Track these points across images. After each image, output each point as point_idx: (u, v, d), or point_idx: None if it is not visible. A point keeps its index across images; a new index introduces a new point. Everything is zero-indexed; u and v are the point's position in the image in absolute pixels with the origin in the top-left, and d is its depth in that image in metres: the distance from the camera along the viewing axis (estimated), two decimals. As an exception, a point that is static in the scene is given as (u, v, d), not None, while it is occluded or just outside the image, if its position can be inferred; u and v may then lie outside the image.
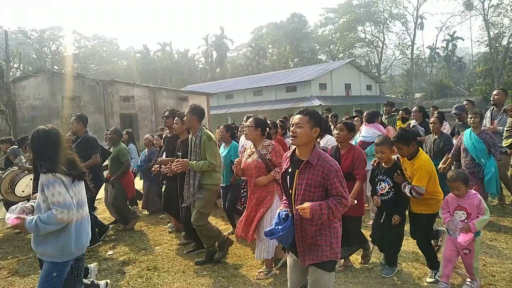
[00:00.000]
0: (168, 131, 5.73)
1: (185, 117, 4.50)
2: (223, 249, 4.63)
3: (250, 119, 4.08)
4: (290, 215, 2.60)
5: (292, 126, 2.63)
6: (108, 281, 3.87)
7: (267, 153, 3.91)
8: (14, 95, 13.51)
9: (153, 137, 7.46)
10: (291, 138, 2.63)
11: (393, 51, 54.23)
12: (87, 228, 2.92)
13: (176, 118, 4.91)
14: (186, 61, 56.61)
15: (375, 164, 3.94)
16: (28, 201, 3.03)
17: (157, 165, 5.48)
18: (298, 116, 2.63)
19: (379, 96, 36.98)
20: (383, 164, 3.83)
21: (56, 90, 18.30)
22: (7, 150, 6.88)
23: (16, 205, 2.89)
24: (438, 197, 3.71)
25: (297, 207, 2.48)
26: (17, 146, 6.78)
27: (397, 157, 3.90)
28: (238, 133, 6.60)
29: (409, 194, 3.63)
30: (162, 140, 6.49)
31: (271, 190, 3.95)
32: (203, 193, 4.38)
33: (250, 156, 4.01)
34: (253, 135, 3.99)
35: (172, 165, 4.43)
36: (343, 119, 5.89)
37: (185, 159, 4.43)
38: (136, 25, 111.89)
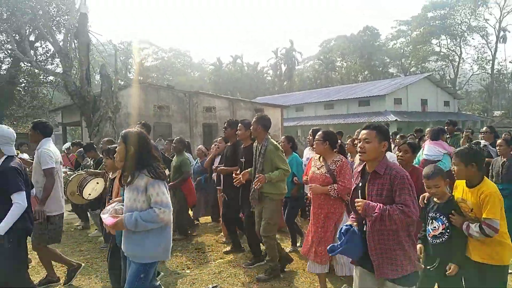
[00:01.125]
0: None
1: (252, 126, 4.53)
2: (269, 274, 4.48)
3: (319, 133, 3.96)
4: (351, 229, 2.60)
5: (360, 142, 2.61)
6: None
7: (336, 169, 3.76)
8: (119, 104, 14.94)
9: (207, 148, 7.54)
10: (359, 154, 2.62)
11: (471, 66, 51.45)
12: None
13: (239, 124, 4.96)
14: (255, 73, 58.14)
15: (424, 201, 3.18)
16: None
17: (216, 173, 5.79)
18: (365, 131, 2.60)
19: (457, 113, 35.28)
20: (435, 199, 3.08)
21: (148, 100, 19.86)
22: (76, 152, 7.51)
23: (107, 208, 3.00)
24: (506, 241, 2.86)
25: (356, 205, 2.54)
26: (83, 150, 7.06)
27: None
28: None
29: (477, 235, 2.77)
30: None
31: (339, 207, 3.77)
32: (268, 204, 4.37)
33: (319, 168, 3.87)
34: (320, 149, 3.88)
35: (255, 182, 4.32)
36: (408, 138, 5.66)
37: (261, 174, 4.32)
38: (208, 38, 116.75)
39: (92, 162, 6.67)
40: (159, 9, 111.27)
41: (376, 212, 2.39)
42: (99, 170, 5.99)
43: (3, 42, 23.20)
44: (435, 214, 3.02)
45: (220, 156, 6.16)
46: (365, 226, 2.57)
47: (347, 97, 32.82)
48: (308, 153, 5.61)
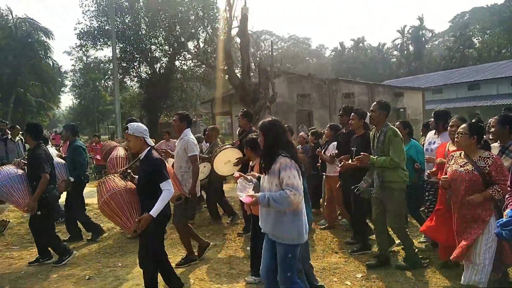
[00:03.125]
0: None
1: (373, 112, 4.32)
2: (409, 261, 4.35)
3: (464, 126, 3.54)
4: None
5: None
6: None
7: (485, 166, 3.33)
8: (276, 94, 16.07)
9: (308, 135, 7.49)
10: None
11: None
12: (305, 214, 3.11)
13: (352, 114, 4.87)
14: (380, 56, 55.78)
15: None
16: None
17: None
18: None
19: None
20: None
21: (292, 89, 20.84)
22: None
23: (241, 186, 3.14)
24: None
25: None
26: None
27: None
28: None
29: None
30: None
31: (488, 208, 3.34)
32: (391, 194, 4.21)
33: (462, 166, 3.47)
34: (466, 144, 3.46)
35: (355, 159, 4.32)
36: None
37: (366, 154, 4.24)
38: (328, 23, 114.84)
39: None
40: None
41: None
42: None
43: (162, 42, 26.66)
44: None
45: (326, 143, 6.32)
46: None
47: (497, 76, 29.48)
48: (431, 137, 5.15)
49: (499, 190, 3.22)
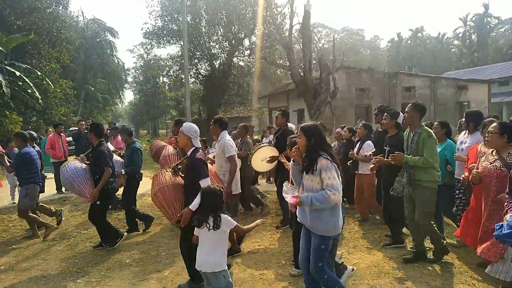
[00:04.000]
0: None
1: (407, 113, 4.41)
2: (437, 255, 4.50)
3: (495, 125, 3.64)
4: None
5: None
6: (355, 268, 4.24)
7: None
8: (337, 89, 16.25)
9: (343, 130, 7.44)
10: None
11: None
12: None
13: (385, 114, 4.98)
14: (440, 46, 53.40)
15: None
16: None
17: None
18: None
19: None
20: None
21: (352, 83, 20.85)
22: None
23: (286, 189, 3.50)
24: None
25: None
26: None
27: None
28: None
29: None
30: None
31: None
32: (421, 192, 4.29)
33: (491, 163, 3.61)
34: (497, 143, 3.60)
35: (390, 157, 4.43)
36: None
37: (401, 153, 4.36)
38: (383, 12, 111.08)
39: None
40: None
41: None
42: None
43: (220, 39, 27.58)
44: None
45: (360, 142, 6.34)
46: None
47: None
48: (462, 136, 5.23)
49: None
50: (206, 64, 28.63)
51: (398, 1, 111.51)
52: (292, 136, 4.64)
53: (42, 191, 7.31)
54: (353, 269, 4.14)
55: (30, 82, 19.86)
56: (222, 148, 5.07)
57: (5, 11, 19.61)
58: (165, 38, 26.57)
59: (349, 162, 6.22)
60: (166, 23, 25.85)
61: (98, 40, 37.07)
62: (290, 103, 23.65)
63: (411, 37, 56.19)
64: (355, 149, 6.32)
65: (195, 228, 3.46)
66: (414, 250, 4.64)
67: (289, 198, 3.34)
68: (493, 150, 3.67)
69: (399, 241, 5.10)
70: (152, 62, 46.46)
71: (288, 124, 6.54)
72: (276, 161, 5.94)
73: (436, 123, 5.53)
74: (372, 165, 4.98)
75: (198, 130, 4.19)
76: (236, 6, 24.48)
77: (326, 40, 69.87)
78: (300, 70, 16.55)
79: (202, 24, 26.77)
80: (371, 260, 4.72)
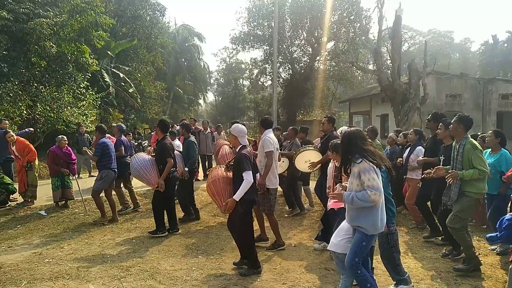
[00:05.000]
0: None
1: (452, 126, 4.60)
2: (469, 263, 4.49)
3: None
4: None
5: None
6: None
7: None
8: (427, 95, 15.73)
9: (397, 136, 7.57)
10: None
11: None
12: (384, 210, 3.45)
13: (440, 124, 5.13)
14: (543, 49, 48.26)
15: None
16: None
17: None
18: None
19: None
20: None
21: (442, 89, 19.91)
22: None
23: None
24: None
25: None
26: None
27: None
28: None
29: None
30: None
31: None
32: (463, 199, 4.44)
33: None
34: None
35: (447, 177, 4.43)
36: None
37: (454, 171, 4.46)
38: (474, 13, 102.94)
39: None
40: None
41: None
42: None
43: (303, 43, 27.98)
44: None
45: (410, 147, 6.51)
46: None
47: None
48: None
49: None
50: (288, 67, 29.20)
51: (492, 1, 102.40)
52: (335, 141, 4.98)
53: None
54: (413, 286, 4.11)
55: (131, 83, 22.07)
56: (262, 144, 5.50)
57: (113, 19, 21.94)
58: (250, 43, 27.64)
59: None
60: (251, 28, 26.92)
61: (186, 44, 39.55)
62: (373, 107, 23.24)
63: (508, 39, 51.44)
64: (405, 154, 6.57)
65: None
66: (466, 260, 4.60)
67: (330, 203, 3.96)
68: None
69: (459, 253, 5.02)
70: (233, 65, 48.43)
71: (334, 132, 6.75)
72: (319, 165, 6.40)
73: (490, 132, 5.59)
74: (427, 173, 4.95)
75: (245, 130, 4.80)
76: (320, 11, 24.66)
77: (410, 43, 66.94)
78: (387, 75, 16.30)
79: (285, 29, 27.36)
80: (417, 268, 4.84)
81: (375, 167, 3.32)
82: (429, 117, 5.83)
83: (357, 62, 19.98)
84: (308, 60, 28.11)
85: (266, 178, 5.36)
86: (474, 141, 4.52)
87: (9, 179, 8.13)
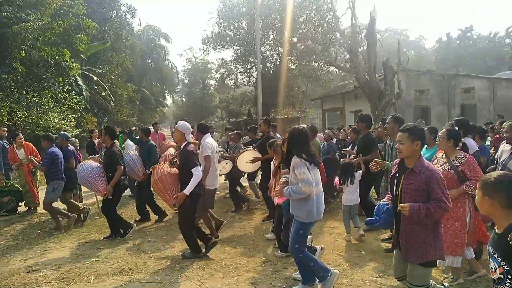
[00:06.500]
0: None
1: (388, 125, 5.13)
2: None
3: (443, 131, 4.05)
4: (389, 207, 3.16)
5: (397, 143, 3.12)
6: (323, 246, 4.79)
7: (459, 165, 3.86)
8: (402, 91, 16.60)
9: (333, 133, 8.37)
10: (398, 152, 3.15)
11: None
12: (321, 200, 3.82)
13: (380, 123, 5.69)
14: (491, 46, 51.71)
15: None
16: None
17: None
18: (399, 134, 3.09)
19: None
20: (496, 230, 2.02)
21: (410, 85, 21.00)
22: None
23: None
24: None
25: (399, 206, 2.97)
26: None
27: None
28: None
29: None
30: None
31: (463, 201, 3.87)
32: None
33: (441, 165, 3.98)
34: (445, 147, 3.99)
35: (373, 164, 4.80)
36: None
37: (383, 161, 4.95)
38: (428, 12, 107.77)
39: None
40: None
41: (421, 213, 2.86)
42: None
43: (272, 44, 28.44)
44: (491, 250, 2.04)
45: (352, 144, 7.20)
46: (397, 209, 3.06)
47: None
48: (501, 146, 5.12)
49: (471, 185, 3.76)
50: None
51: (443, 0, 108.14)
52: (272, 140, 5.53)
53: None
54: (321, 248, 4.72)
55: (104, 86, 21.56)
56: (201, 149, 5.66)
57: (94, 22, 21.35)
58: (221, 43, 27.75)
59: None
60: (222, 29, 27.05)
61: (152, 45, 38.95)
62: (346, 104, 24.09)
63: (459, 37, 54.69)
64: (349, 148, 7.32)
65: None
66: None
67: (276, 200, 4.44)
68: (443, 153, 4.08)
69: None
70: (200, 66, 48.21)
71: (271, 132, 7.37)
72: (260, 162, 6.85)
73: (425, 128, 5.80)
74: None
75: (191, 128, 5.06)
76: (290, 11, 25.21)
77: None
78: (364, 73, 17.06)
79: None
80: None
81: (307, 163, 3.64)
82: (357, 119, 6.39)
83: (335, 61, 20.64)
84: (279, 60, 28.63)
85: (205, 179, 5.53)
86: None
87: (20, 187, 7.90)
